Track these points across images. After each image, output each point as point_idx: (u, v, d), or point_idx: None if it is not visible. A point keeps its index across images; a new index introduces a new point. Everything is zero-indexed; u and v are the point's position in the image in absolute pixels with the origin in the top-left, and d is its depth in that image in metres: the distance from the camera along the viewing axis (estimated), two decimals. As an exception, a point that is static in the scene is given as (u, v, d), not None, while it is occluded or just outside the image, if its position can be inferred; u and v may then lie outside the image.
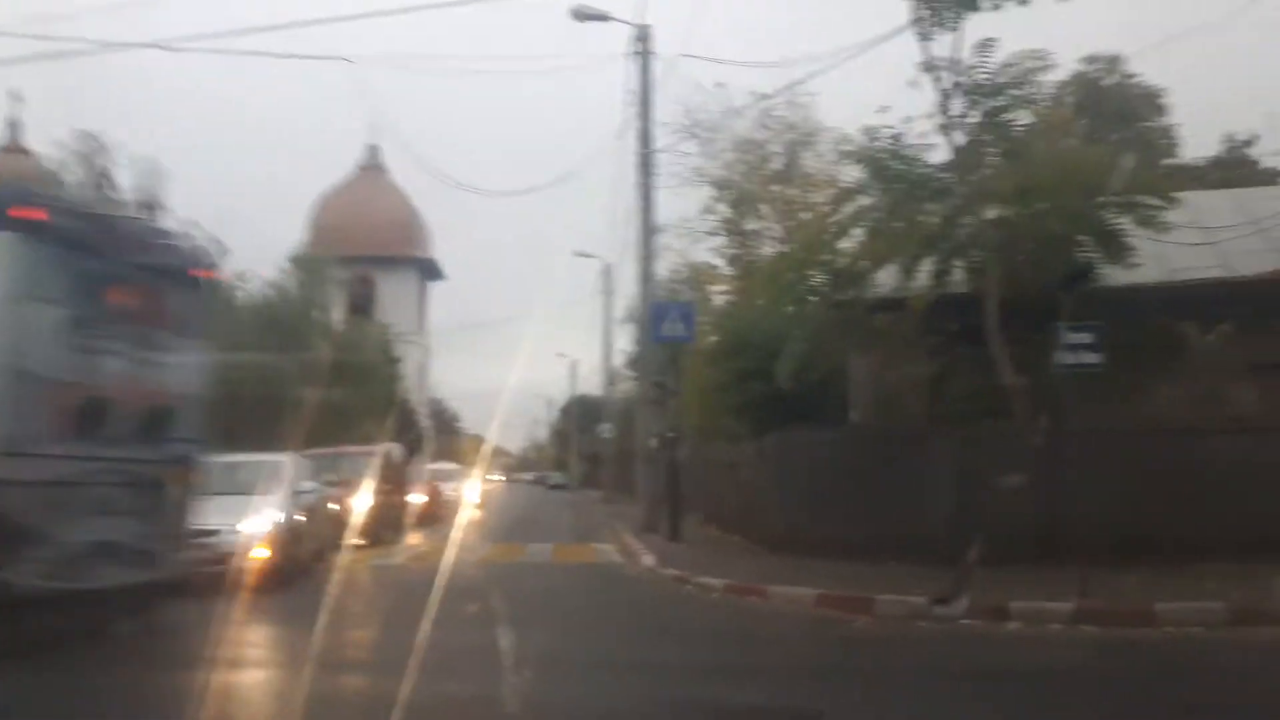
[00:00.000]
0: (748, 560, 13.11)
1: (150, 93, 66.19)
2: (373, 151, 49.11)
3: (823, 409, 14.14)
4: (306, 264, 27.42)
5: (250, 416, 19.83)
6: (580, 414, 59.25)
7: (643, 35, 18.73)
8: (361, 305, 42.96)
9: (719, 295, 28.61)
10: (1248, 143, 26.64)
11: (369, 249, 44.41)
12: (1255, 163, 26.19)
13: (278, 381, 21.26)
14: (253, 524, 11.06)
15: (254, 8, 17.24)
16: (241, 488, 11.81)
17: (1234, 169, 26.07)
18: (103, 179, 21.00)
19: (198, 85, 74.85)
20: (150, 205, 21.65)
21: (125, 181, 21.37)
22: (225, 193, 56.77)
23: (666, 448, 16.69)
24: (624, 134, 19.66)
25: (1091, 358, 9.25)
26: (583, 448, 59.81)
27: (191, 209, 25.50)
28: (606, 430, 39.62)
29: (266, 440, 14.11)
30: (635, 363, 27.59)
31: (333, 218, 44.04)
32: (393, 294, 47.19)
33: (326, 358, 24.34)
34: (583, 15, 18.37)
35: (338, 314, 29.45)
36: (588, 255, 34.31)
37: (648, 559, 13.63)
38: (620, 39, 19.02)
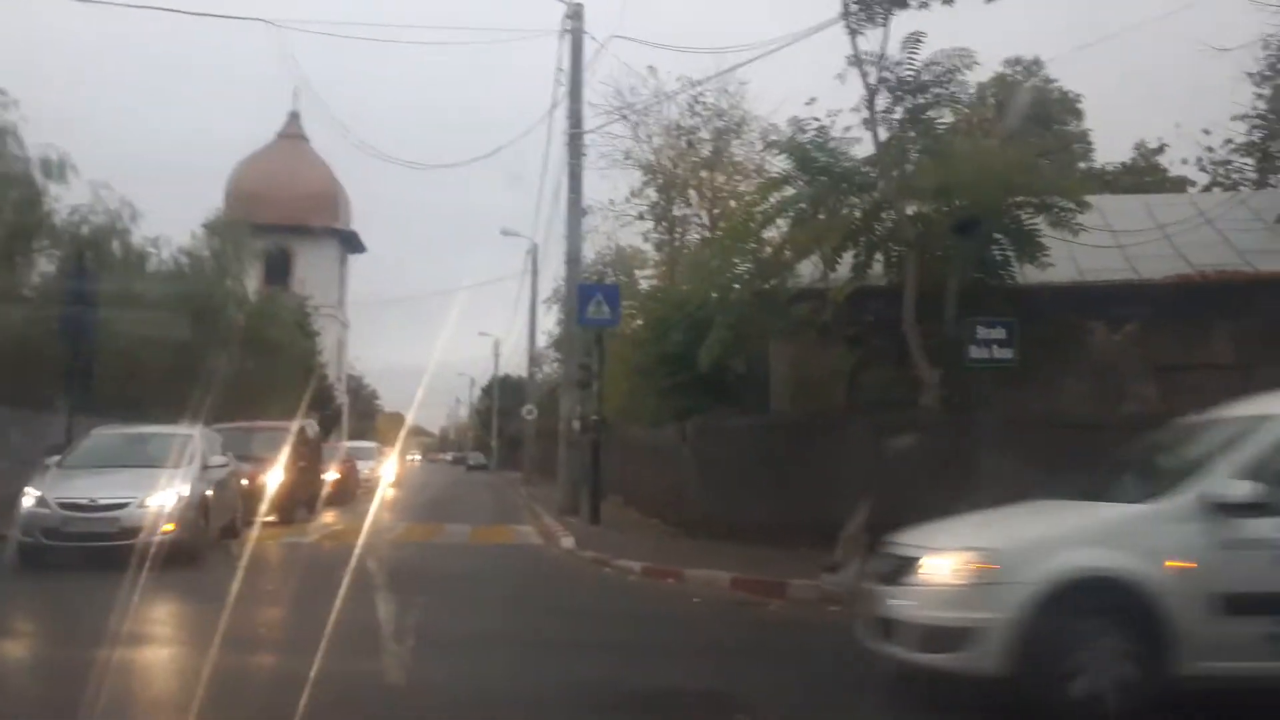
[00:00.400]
0: (666, 543, 13.23)
1: (63, 49, 63.39)
2: (294, 119, 47.85)
3: (744, 395, 14.29)
4: (221, 231, 26.48)
5: (159, 388, 19.23)
6: (503, 395, 58.88)
7: (575, 13, 18.58)
8: (278, 276, 41.89)
9: (645, 279, 28.68)
10: (1158, 150, 27.65)
11: (287, 218, 43.31)
12: (1164, 170, 27.21)
13: (189, 352, 20.62)
14: (160, 498, 10.74)
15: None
16: (149, 461, 11.50)
17: (1144, 175, 27.09)
18: (6, 135, 19.95)
19: (115, 44, 71.95)
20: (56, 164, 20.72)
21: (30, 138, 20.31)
22: (139, 156, 54.81)
23: (589, 430, 16.69)
24: (554, 113, 19.52)
25: (1003, 353, 9.54)
26: (505, 429, 59.43)
27: (103, 170, 24.56)
28: (529, 412, 39.35)
29: (176, 413, 13.70)
30: (560, 344, 27.47)
31: (250, 185, 42.72)
32: (311, 265, 46.17)
33: (240, 329, 23.65)
34: (516, -10, 18.16)
35: (253, 284, 28.57)
36: (514, 234, 33.97)
37: (567, 541, 13.64)
38: (553, 15, 18.87)
